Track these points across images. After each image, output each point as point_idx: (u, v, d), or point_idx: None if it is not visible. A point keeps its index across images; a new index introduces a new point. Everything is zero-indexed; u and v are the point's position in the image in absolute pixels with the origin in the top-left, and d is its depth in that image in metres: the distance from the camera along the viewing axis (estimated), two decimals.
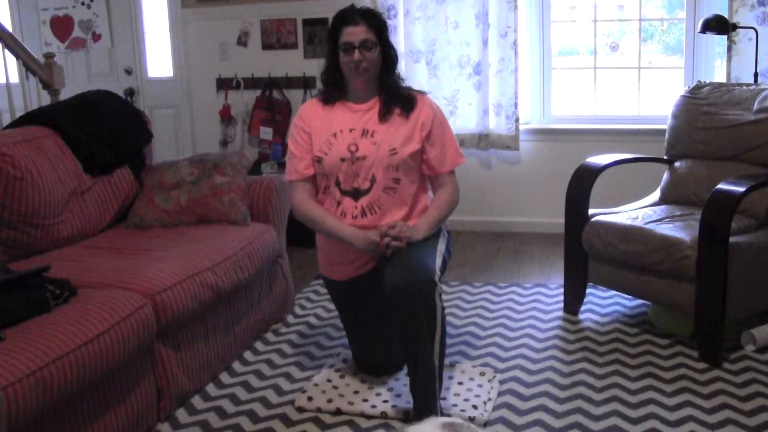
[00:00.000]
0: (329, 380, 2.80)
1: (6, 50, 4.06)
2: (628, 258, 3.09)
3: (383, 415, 2.55)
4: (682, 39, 4.62)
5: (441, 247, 2.60)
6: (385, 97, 2.67)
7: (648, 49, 5.88)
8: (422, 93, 2.75)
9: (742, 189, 2.80)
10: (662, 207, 3.41)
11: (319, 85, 4.94)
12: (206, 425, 2.56)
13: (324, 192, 2.70)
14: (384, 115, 2.65)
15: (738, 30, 4.09)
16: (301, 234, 4.25)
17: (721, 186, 2.86)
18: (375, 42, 2.60)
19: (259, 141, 5.16)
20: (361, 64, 2.59)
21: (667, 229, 3.01)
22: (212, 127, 5.33)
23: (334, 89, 2.71)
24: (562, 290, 3.52)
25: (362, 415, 2.57)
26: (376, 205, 2.62)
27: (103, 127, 3.32)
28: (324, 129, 2.67)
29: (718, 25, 3.94)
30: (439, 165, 2.69)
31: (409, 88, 2.75)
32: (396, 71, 2.70)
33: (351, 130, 2.65)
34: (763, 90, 3.38)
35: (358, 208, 2.63)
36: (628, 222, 3.15)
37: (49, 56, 4.25)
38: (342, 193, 2.65)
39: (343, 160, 2.62)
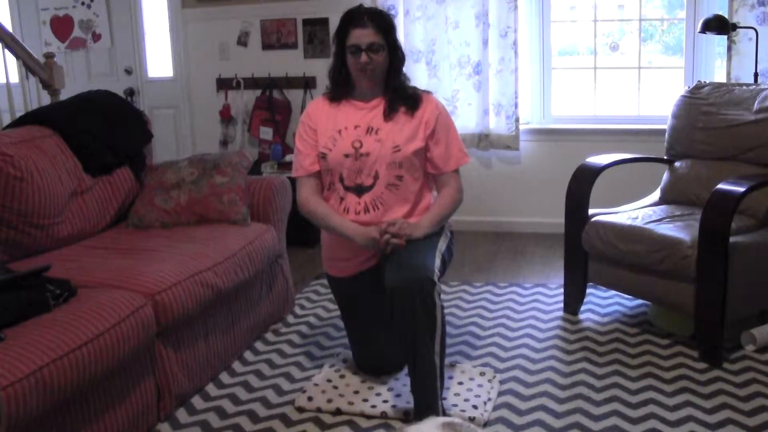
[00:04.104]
0: (329, 380, 2.80)
1: (6, 50, 4.06)
2: (628, 258, 3.09)
3: (383, 415, 2.55)
4: (682, 39, 4.62)
5: (441, 246, 2.60)
6: (390, 95, 2.69)
7: (648, 49, 5.87)
8: (428, 92, 2.77)
9: (742, 189, 2.80)
10: (662, 207, 3.41)
11: (319, 84, 5.04)
12: (206, 425, 2.56)
13: (329, 188, 2.72)
14: (389, 113, 2.67)
15: (738, 30, 4.09)
16: (301, 234, 4.28)
17: (721, 186, 2.86)
18: (382, 45, 2.61)
19: (259, 141, 5.16)
20: (368, 66, 2.60)
21: (667, 229, 3.01)
22: (212, 127, 5.33)
23: (340, 87, 2.72)
24: (562, 290, 3.52)
25: (362, 415, 2.57)
26: (378, 202, 2.64)
27: (103, 127, 3.32)
28: (329, 126, 2.70)
29: (718, 25, 3.94)
30: (443, 164, 2.70)
31: (415, 88, 2.77)
32: (402, 71, 2.72)
33: (356, 127, 2.67)
34: (763, 90, 3.38)
35: (361, 204, 2.64)
36: (628, 222, 3.15)
37: (49, 56, 4.25)
38: (345, 189, 2.66)
39: (347, 156, 2.64)
